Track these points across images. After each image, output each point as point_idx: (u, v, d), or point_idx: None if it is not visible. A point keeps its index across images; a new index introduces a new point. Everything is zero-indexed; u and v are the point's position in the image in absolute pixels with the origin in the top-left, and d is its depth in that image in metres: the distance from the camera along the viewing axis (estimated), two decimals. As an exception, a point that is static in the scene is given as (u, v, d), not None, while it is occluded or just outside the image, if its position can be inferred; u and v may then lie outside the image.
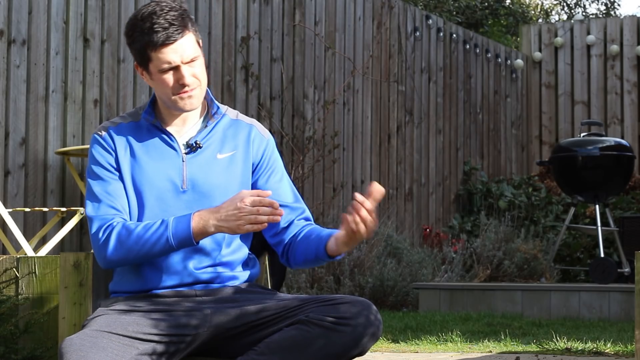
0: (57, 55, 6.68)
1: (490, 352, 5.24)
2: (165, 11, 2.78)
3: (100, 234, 2.77)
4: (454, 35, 11.06)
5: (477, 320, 6.92)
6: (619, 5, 18.55)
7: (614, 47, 12.00)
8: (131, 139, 2.86)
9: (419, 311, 7.85)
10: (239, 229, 2.70)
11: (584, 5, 19.04)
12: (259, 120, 8.22)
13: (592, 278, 8.20)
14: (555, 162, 8.73)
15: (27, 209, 6.07)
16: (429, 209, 10.53)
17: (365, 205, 2.67)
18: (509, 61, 12.14)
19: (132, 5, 7.21)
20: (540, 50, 12.50)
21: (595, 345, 5.27)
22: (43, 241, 6.37)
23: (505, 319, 7.07)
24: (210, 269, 2.83)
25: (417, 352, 5.28)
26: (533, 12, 18.18)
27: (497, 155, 11.85)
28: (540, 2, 19.26)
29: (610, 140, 8.74)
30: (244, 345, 2.74)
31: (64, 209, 6.08)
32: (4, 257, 3.58)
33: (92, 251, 2.93)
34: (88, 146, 3.53)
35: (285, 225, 2.89)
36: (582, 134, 8.84)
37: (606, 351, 5.18)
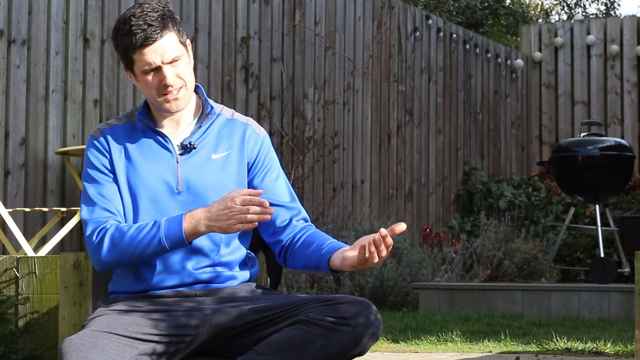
0: (57, 55, 6.68)
1: (490, 352, 5.24)
2: (145, 12, 2.78)
3: (94, 237, 2.78)
4: (454, 35, 11.07)
5: (477, 320, 6.92)
6: (619, 5, 18.55)
7: (614, 47, 12.00)
8: (126, 140, 2.87)
9: (419, 311, 7.85)
10: (229, 228, 2.70)
11: (584, 5, 19.05)
12: (258, 121, 8.22)
13: (592, 278, 8.20)
14: (555, 162, 8.73)
15: (27, 209, 6.07)
16: (429, 209, 10.53)
17: (387, 241, 2.67)
18: (509, 61, 12.14)
19: (132, 5, 7.21)
20: (540, 50, 12.50)
21: (595, 345, 5.27)
22: (43, 241, 6.37)
23: (505, 319, 7.07)
24: (209, 269, 2.83)
25: (417, 352, 5.28)
26: (533, 12, 18.18)
27: (497, 155, 11.85)
28: (540, 2, 19.27)
29: (610, 140, 8.74)
30: (244, 345, 2.74)
31: (64, 209, 6.08)
32: (4, 257, 3.58)
33: (91, 252, 2.93)
34: (88, 146, 3.53)
35: (283, 225, 2.89)
36: (582, 134, 8.84)
37: (606, 351, 5.18)
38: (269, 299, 2.80)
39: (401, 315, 7.42)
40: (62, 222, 6.45)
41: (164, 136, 2.87)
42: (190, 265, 2.82)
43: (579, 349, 5.21)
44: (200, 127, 2.90)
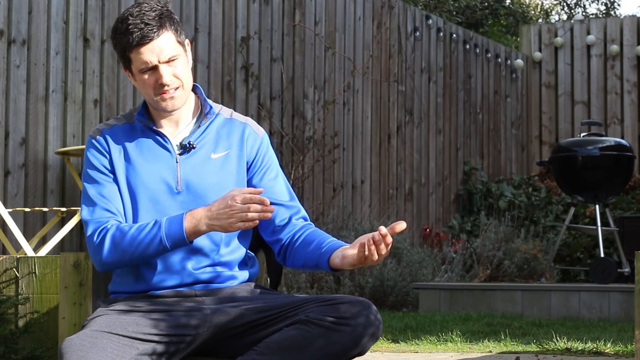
0: (57, 55, 6.68)
1: (490, 352, 5.24)
2: (142, 12, 2.79)
3: (95, 237, 2.78)
4: (454, 35, 11.06)
5: (477, 320, 6.92)
6: (619, 5, 18.55)
7: (614, 47, 12.00)
8: (125, 140, 2.87)
9: (419, 311, 7.85)
10: (230, 227, 2.70)
11: (584, 5, 19.05)
12: (258, 121, 8.22)
13: (592, 278, 8.20)
14: (555, 162, 8.73)
15: (27, 209, 6.07)
16: (429, 209, 10.53)
17: (386, 240, 2.67)
18: (509, 61, 12.14)
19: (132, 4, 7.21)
20: (540, 50, 12.50)
21: (595, 345, 5.27)
22: (43, 241, 6.37)
23: (505, 319, 7.07)
24: (209, 269, 2.83)
25: (417, 352, 5.28)
26: (533, 12, 18.17)
27: (497, 155, 11.85)
28: (540, 2, 19.26)
29: (610, 140, 8.74)
30: (244, 345, 2.74)
31: (64, 209, 6.08)
32: (4, 257, 3.58)
33: (92, 251, 2.93)
34: (88, 146, 3.53)
35: (282, 223, 2.89)
36: (582, 134, 8.84)
37: (606, 351, 5.18)
38: (269, 299, 2.80)
39: (401, 315, 7.42)
40: (62, 222, 6.45)
41: (163, 136, 2.88)
42: (190, 265, 2.82)
43: (579, 349, 5.21)
44: (199, 126, 2.90)
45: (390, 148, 9.96)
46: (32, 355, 3.46)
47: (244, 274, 2.90)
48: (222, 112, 2.96)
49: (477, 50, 11.48)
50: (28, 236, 6.31)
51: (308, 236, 2.86)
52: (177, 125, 2.90)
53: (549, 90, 12.41)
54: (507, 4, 15.61)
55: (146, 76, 2.80)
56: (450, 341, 5.62)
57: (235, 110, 3.03)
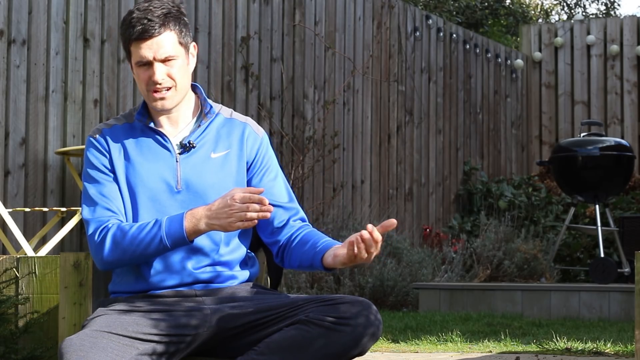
0: (57, 55, 6.68)
1: (490, 352, 5.24)
2: (150, 8, 2.80)
3: (96, 236, 2.78)
4: (454, 35, 11.06)
5: (477, 320, 6.92)
6: (619, 5, 18.55)
7: (614, 47, 12.00)
8: (125, 140, 2.87)
9: (419, 311, 7.85)
10: (230, 226, 2.70)
11: (584, 5, 19.05)
12: (258, 121, 8.22)
13: (592, 278, 8.20)
14: (555, 162, 8.73)
15: (27, 209, 6.07)
16: (429, 209, 10.52)
17: (374, 235, 2.66)
18: (509, 61, 12.14)
19: (132, 5, 7.21)
20: (540, 50, 12.50)
21: (595, 345, 5.27)
22: (43, 241, 6.37)
23: (505, 319, 7.07)
24: (209, 269, 2.83)
25: (417, 352, 5.28)
26: (533, 12, 18.18)
27: (497, 155, 11.85)
28: (540, 2, 19.26)
29: (610, 140, 8.74)
30: (244, 345, 2.74)
31: (64, 209, 6.08)
32: (4, 257, 3.58)
33: (92, 251, 2.93)
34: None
35: (280, 225, 2.89)
36: (582, 134, 8.84)
37: (606, 351, 5.18)
38: (269, 299, 2.80)
39: (401, 315, 7.42)
40: (62, 222, 6.45)
41: (163, 135, 2.88)
42: (190, 265, 2.82)
43: (579, 349, 5.21)
44: (199, 126, 2.90)
45: (390, 148, 9.96)
46: (32, 355, 3.45)
47: (244, 274, 2.90)
48: (222, 111, 2.97)
49: (477, 50, 11.48)
50: (28, 236, 6.31)
51: (304, 236, 2.86)
52: (177, 124, 2.91)
53: (549, 90, 12.41)
54: (507, 4, 15.61)
55: (141, 71, 2.82)
56: (450, 341, 5.62)
57: (235, 110, 3.03)
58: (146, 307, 2.76)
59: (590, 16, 18.28)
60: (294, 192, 3.01)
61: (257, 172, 2.92)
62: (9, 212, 5.85)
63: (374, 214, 9.53)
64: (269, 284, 3.10)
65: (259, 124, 2.97)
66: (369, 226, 2.65)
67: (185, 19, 2.86)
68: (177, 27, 2.82)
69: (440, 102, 10.77)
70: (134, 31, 2.78)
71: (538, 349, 5.26)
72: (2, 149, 6.34)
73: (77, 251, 5.43)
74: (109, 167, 2.85)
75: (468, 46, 11.31)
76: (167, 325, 2.69)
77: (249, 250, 2.95)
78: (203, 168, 2.86)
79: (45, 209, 6.17)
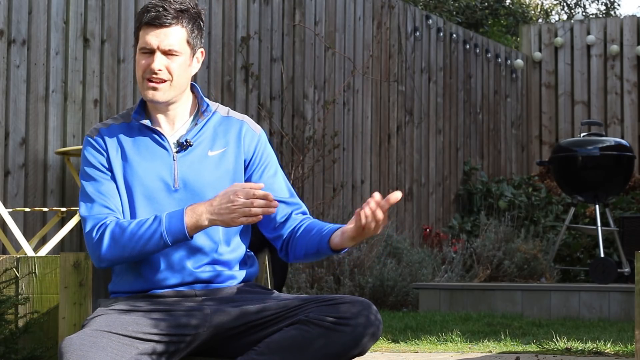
0: (57, 55, 6.68)
1: (490, 352, 5.24)
2: (172, 0, 2.81)
3: (94, 233, 2.78)
4: (454, 35, 11.07)
5: (477, 320, 6.92)
6: (619, 5, 18.55)
7: (614, 47, 12.00)
8: (122, 139, 2.88)
9: (419, 311, 7.85)
10: (232, 221, 2.70)
11: (584, 5, 19.05)
12: (258, 121, 8.22)
13: (592, 278, 8.20)
14: (555, 162, 8.73)
15: (27, 209, 6.07)
16: (429, 209, 10.53)
17: (381, 204, 2.67)
18: (509, 61, 12.14)
19: (132, 5, 7.21)
20: (540, 50, 12.50)
21: (595, 345, 5.27)
22: (43, 241, 6.37)
23: (505, 319, 7.07)
24: (209, 267, 2.83)
25: (417, 352, 5.28)
26: (533, 12, 18.18)
27: (497, 155, 11.85)
28: (540, 2, 19.26)
29: (610, 140, 8.74)
30: (244, 345, 2.74)
31: (64, 209, 6.08)
32: (4, 257, 3.58)
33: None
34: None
35: (283, 219, 2.89)
36: (582, 134, 8.84)
37: (606, 351, 5.18)
38: (269, 299, 2.80)
39: (401, 315, 7.42)
40: (62, 222, 6.45)
41: (160, 134, 2.88)
42: (189, 264, 2.82)
43: (579, 349, 5.21)
44: (196, 124, 2.91)
45: (390, 148, 9.96)
46: (32, 355, 3.45)
47: (244, 274, 2.90)
48: (219, 110, 2.97)
49: (477, 50, 11.48)
50: (28, 236, 6.31)
51: (308, 226, 2.86)
52: (174, 123, 2.91)
53: (549, 90, 12.41)
54: (507, 4, 15.61)
55: (142, 57, 2.83)
56: (450, 341, 5.62)
57: (235, 110, 3.03)
58: (146, 306, 2.76)
59: (590, 16, 18.28)
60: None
61: (256, 169, 2.92)
62: (9, 212, 5.85)
63: (374, 214, 9.52)
64: (269, 284, 3.10)
65: (259, 124, 2.97)
66: (376, 194, 2.66)
67: (201, 22, 2.88)
68: (189, 26, 2.84)
69: (440, 102, 10.77)
70: (147, 15, 2.80)
71: (538, 349, 5.27)
72: (2, 149, 6.34)
73: (77, 251, 5.43)
74: (107, 166, 2.86)
75: (468, 46, 11.31)
76: (167, 325, 2.69)
77: (248, 250, 2.95)
78: (200, 166, 2.86)
79: (45, 209, 6.17)
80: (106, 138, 2.88)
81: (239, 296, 2.82)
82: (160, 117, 2.90)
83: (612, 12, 18.41)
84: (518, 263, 9.19)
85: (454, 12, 14.46)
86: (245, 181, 2.91)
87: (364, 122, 9.62)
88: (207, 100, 2.95)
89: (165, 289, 2.81)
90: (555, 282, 9.24)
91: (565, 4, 19.31)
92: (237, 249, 2.89)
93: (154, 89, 2.83)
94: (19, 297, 3.50)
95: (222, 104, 3.03)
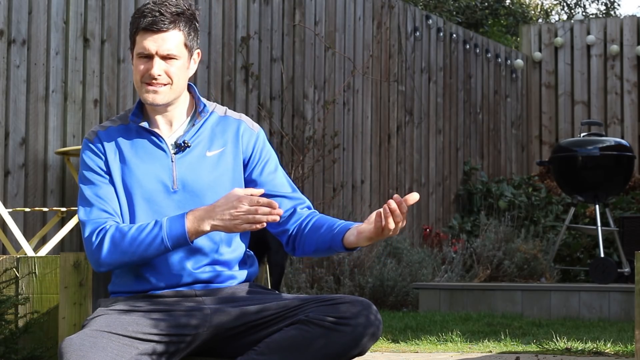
0: (57, 55, 6.68)
1: (490, 352, 5.24)
2: (165, 3, 2.81)
3: (94, 238, 2.78)
4: (454, 35, 11.07)
5: (477, 320, 6.92)
6: (619, 5, 18.55)
7: (614, 47, 12.00)
8: (120, 142, 2.87)
9: (419, 311, 7.85)
10: (235, 228, 2.70)
11: (584, 5, 19.05)
12: (258, 121, 8.22)
13: (592, 278, 8.20)
14: (555, 162, 8.73)
15: (27, 209, 6.07)
16: (429, 209, 10.52)
17: (402, 207, 2.67)
18: (509, 61, 12.14)
19: (132, 5, 7.21)
20: (540, 50, 12.50)
21: (595, 345, 5.27)
22: (43, 241, 6.37)
23: (505, 319, 7.07)
24: (209, 268, 2.83)
25: (417, 352, 5.28)
26: (533, 12, 18.18)
27: (497, 155, 11.85)
28: (540, 2, 19.26)
29: (610, 140, 8.74)
30: (244, 345, 2.74)
31: (64, 209, 6.08)
32: (4, 257, 3.58)
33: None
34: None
35: (287, 214, 2.90)
36: (582, 134, 8.84)
37: (606, 351, 5.18)
38: (269, 299, 2.80)
39: (401, 315, 7.42)
40: (62, 222, 6.45)
41: (158, 136, 2.88)
42: (189, 265, 2.82)
43: (579, 349, 5.21)
44: (193, 125, 2.90)
45: (390, 148, 9.96)
46: (32, 355, 3.45)
47: (244, 274, 2.90)
48: (217, 109, 2.97)
49: (477, 50, 11.48)
50: (28, 236, 6.31)
51: (317, 221, 2.86)
52: (172, 124, 2.91)
53: (549, 90, 12.41)
54: (507, 4, 15.61)
55: (140, 62, 2.82)
56: (450, 341, 5.62)
57: (235, 111, 3.03)
58: (146, 307, 2.76)
59: (590, 16, 18.28)
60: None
61: (256, 167, 2.92)
62: (9, 212, 5.85)
63: (374, 214, 9.52)
64: (269, 284, 3.10)
65: (259, 124, 2.97)
66: (396, 196, 2.66)
67: (197, 24, 2.87)
68: (186, 29, 2.83)
69: (440, 102, 10.77)
70: (144, 21, 2.80)
71: (538, 349, 5.26)
72: (2, 149, 6.34)
73: (77, 251, 5.42)
74: (105, 169, 2.85)
75: (468, 46, 11.31)
76: (167, 325, 2.69)
77: (248, 250, 2.95)
78: (199, 167, 2.86)
79: (45, 209, 6.17)
80: (104, 141, 2.88)
81: (238, 296, 2.82)
82: (158, 119, 2.90)
83: (612, 12, 18.41)
84: (518, 263, 9.19)
85: (454, 12, 14.46)
86: (246, 179, 2.91)
87: (364, 122, 9.62)
88: (203, 100, 2.95)
89: (165, 289, 2.81)
90: (555, 282, 9.24)
91: (565, 4, 19.31)
92: (237, 249, 2.89)
93: (155, 92, 2.83)
94: (19, 297, 3.50)
95: (222, 104, 3.03)
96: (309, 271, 8.15)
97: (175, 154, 2.86)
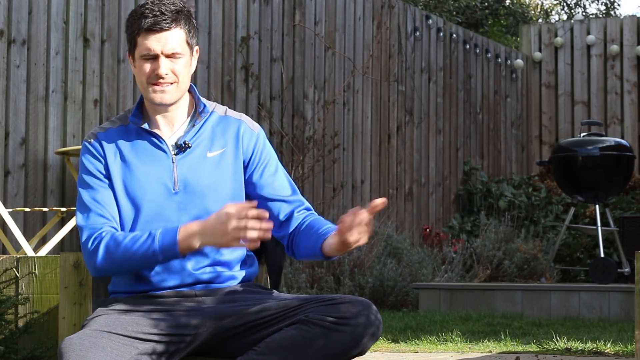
0: (57, 55, 6.68)
1: (490, 352, 5.24)
2: (163, 2, 2.82)
3: (90, 244, 2.78)
4: (454, 35, 11.07)
5: (477, 320, 6.92)
6: (619, 5, 18.55)
7: (614, 47, 12.00)
8: (120, 143, 2.86)
9: (419, 311, 7.85)
10: (226, 244, 2.68)
11: (584, 5, 19.05)
12: (258, 121, 8.22)
13: (592, 278, 8.20)
14: (555, 162, 8.73)
15: (27, 209, 6.07)
16: (429, 209, 10.53)
17: (356, 219, 2.66)
18: (509, 61, 12.14)
19: (132, 5, 7.21)
20: (540, 50, 12.50)
21: (595, 345, 5.27)
22: (43, 241, 6.37)
23: (505, 319, 7.07)
24: (209, 269, 2.83)
25: (417, 352, 5.28)
26: (533, 12, 18.18)
27: (497, 155, 11.85)
28: (540, 2, 19.27)
29: (610, 140, 8.74)
30: (244, 345, 2.73)
31: (64, 209, 6.08)
32: (4, 257, 3.58)
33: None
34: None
35: (285, 218, 2.89)
36: (582, 134, 8.84)
37: (606, 351, 5.18)
38: (269, 299, 2.80)
39: (401, 315, 7.42)
40: (62, 222, 6.45)
41: (158, 137, 2.87)
42: (190, 265, 2.82)
43: (579, 349, 5.21)
44: (193, 125, 2.90)
45: (390, 148, 9.96)
46: (32, 355, 3.45)
47: (244, 274, 2.90)
48: (217, 109, 2.96)
49: (477, 50, 11.48)
50: (28, 236, 6.31)
51: (308, 224, 2.86)
52: (172, 125, 2.90)
53: (549, 90, 12.42)
54: (507, 4, 15.61)
55: (145, 63, 2.81)
56: (450, 341, 5.62)
57: (235, 111, 3.03)
58: (146, 307, 2.76)
59: (590, 16, 18.28)
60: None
61: (256, 169, 2.91)
62: (9, 212, 5.85)
63: (374, 214, 9.52)
64: (269, 284, 3.10)
65: (259, 124, 2.96)
66: (351, 210, 2.65)
67: (194, 21, 2.88)
68: (186, 27, 2.84)
69: (440, 102, 10.77)
70: (145, 22, 2.79)
71: (538, 349, 5.27)
72: (2, 149, 6.34)
73: (77, 251, 5.42)
74: (104, 173, 2.84)
75: (468, 46, 11.31)
76: (167, 325, 2.69)
77: (248, 250, 2.95)
78: (200, 168, 2.85)
79: (45, 209, 6.17)
80: (104, 143, 2.87)
81: (239, 296, 2.82)
82: (159, 119, 2.89)
83: (612, 12, 18.41)
84: (518, 263, 9.19)
85: (454, 12, 14.46)
86: (246, 181, 2.91)
87: (364, 122, 9.62)
88: (203, 100, 2.94)
89: (165, 289, 2.81)
90: (555, 282, 9.24)
91: (565, 4, 19.31)
92: (237, 249, 2.89)
93: (162, 91, 2.82)
94: (19, 297, 3.50)
95: (222, 104, 3.03)
96: (309, 271, 8.15)
97: (175, 154, 2.86)
